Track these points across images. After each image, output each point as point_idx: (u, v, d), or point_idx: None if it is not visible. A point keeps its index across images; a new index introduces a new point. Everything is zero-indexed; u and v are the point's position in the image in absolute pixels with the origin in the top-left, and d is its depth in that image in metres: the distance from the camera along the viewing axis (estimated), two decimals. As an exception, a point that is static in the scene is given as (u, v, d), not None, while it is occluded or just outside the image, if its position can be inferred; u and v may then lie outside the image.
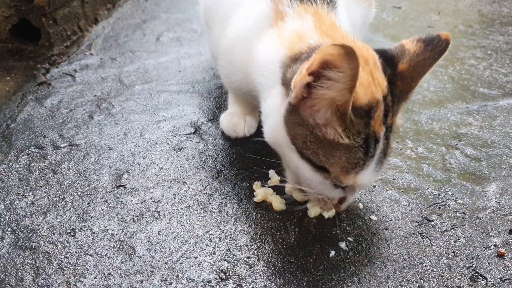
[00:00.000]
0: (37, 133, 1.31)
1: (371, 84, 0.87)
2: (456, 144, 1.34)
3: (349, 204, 1.03)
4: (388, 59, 0.92)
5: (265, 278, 0.92)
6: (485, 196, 1.15)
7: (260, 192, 1.10)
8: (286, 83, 0.92)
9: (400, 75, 0.91)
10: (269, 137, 0.98)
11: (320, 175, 0.92)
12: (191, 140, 1.31)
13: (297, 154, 0.92)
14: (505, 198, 1.14)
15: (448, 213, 1.10)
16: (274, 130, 0.94)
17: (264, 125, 0.99)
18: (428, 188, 1.17)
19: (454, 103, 1.56)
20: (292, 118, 0.90)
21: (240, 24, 1.11)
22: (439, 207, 1.11)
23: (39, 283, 0.90)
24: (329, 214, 1.05)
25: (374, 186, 1.17)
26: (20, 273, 0.91)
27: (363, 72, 0.85)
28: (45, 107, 1.44)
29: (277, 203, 1.09)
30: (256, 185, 1.13)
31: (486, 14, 2.40)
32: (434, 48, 0.91)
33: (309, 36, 0.93)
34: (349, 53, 0.76)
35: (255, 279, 0.92)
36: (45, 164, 1.20)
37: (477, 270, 0.96)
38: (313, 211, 1.05)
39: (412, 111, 1.50)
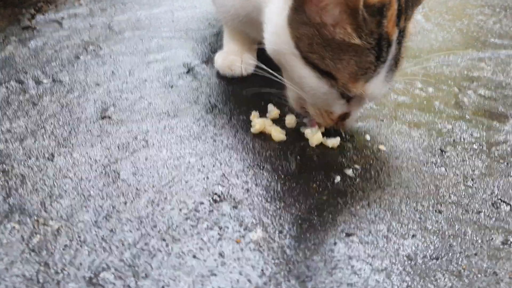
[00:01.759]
0: (18, 70, 1.22)
1: None
2: (469, 85, 1.25)
3: (354, 122, 0.95)
4: None
5: (263, 201, 0.83)
6: (503, 130, 1.06)
7: (258, 122, 1.01)
8: None
9: None
10: (270, 45, 0.88)
11: (325, 83, 0.83)
12: (183, 79, 1.22)
13: (302, 61, 0.83)
14: (525, 133, 1.05)
15: (464, 145, 1.01)
16: (277, 35, 0.85)
17: (265, 33, 0.90)
18: (440, 123, 1.08)
19: (464, 51, 1.47)
20: (297, 18, 0.81)
21: None
22: (454, 140, 1.02)
23: (10, 203, 0.80)
24: (332, 142, 0.96)
25: (382, 120, 1.07)
26: (-11, 194, 0.82)
27: None
28: (29, 47, 1.34)
29: (277, 133, 0.99)
30: (254, 116, 1.03)
31: (493, -21, 2.32)
32: None
33: None
34: None
35: (252, 201, 0.83)
36: (26, 97, 1.11)
37: (500, 197, 0.86)
38: (314, 139, 0.96)
39: (420, 57, 1.41)
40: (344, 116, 0.90)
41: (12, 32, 1.41)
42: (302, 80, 0.85)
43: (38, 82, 1.16)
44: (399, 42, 0.82)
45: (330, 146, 0.97)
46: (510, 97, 1.20)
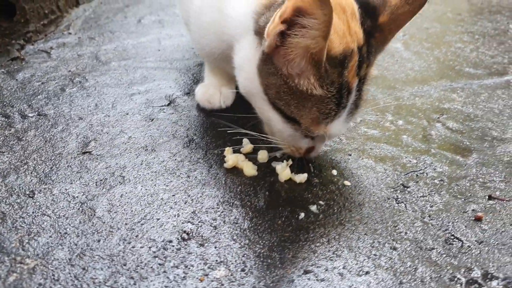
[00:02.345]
0: (4, 103, 1.27)
1: (346, 33, 0.84)
2: (438, 117, 1.31)
3: (318, 153, 1.03)
4: (369, 11, 0.89)
5: (229, 238, 0.88)
6: (465, 165, 1.11)
7: (231, 158, 1.06)
8: (259, 32, 0.88)
9: (380, 27, 0.89)
10: (243, 88, 0.96)
11: (290, 126, 0.91)
12: (164, 112, 1.27)
13: (270, 105, 0.90)
14: (486, 167, 1.10)
15: (426, 180, 1.06)
16: (248, 81, 0.92)
17: (238, 77, 0.96)
18: (406, 157, 1.13)
19: (438, 81, 1.53)
20: (266, 68, 0.87)
21: None
22: (417, 175, 1.07)
23: (-10, 241, 0.85)
24: (300, 177, 1.01)
25: (349, 155, 1.13)
26: (-29, 232, 0.87)
27: (338, 21, 0.83)
28: (16, 79, 1.40)
29: (249, 168, 1.05)
30: (228, 151, 1.09)
31: (476, 3, 2.38)
32: (414, 1, 0.88)
33: None
34: None
35: (219, 239, 0.88)
36: (11, 132, 1.16)
37: (453, 233, 0.91)
38: (283, 174, 1.01)
39: (395, 88, 1.46)
40: (310, 150, 0.98)
41: (1, 63, 1.47)
42: (270, 121, 0.91)
43: (24, 117, 1.22)
44: (359, 89, 0.90)
45: (297, 182, 1.02)
46: (476, 130, 1.25)
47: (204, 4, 1.05)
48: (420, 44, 1.82)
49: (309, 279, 0.80)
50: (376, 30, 0.89)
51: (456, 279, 0.81)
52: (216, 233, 0.89)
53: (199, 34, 1.12)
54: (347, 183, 1.03)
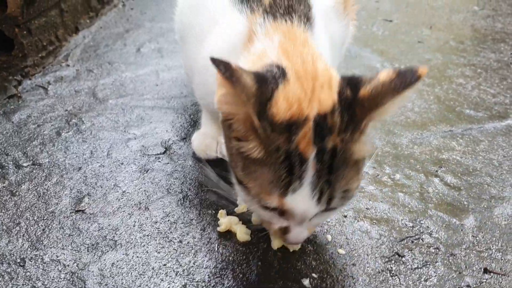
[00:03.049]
0: (0, 151, 1.26)
1: (304, 100, 0.79)
2: (436, 171, 1.29)
3: (300, 239, 0.90)
4: (353, 82, 0.83)
5: (219, 318, 0.87)
6: (461, 230, 1.10)
7: (224, 222, 1.05)
8: None
9: (360, 101, 0.80)
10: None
11: (244, 190, 0.85)
12: (159, 161, 1.26)
13: (232, 172, 0.88)
14: (482, 233, 1.09)
15: (421, 247, 1.05)
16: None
17: None
18: (402, 220, 1.12)
19: (438, 126, 1.51)
20: (225, 132, 0.87)
21: (216, 44, 1.06)
22: (412, 241, 1.06)
23: (-22, 320, 0.85)
24: (294, 246, 1.00)
25: (345, 216, 1.12)
26: (-40, 308, 0.86)
27: (296, 88, 0.80)
28: (12, 122, 1.39)
29: (242, 233, 1.04)
30: (221, 214, 1.08)
31: (479, 29, 2.35)
32: (402, 80, 0.78)
33: (268, 56, 0.88)
34: (227, 71, 0.74)
35: (209, 319, 0.87)
36: (4, 185, 1.15)
37: (446, 314, 0.90)
38: (275, 242, 1.00)
39: (394, 134, 1.45)
40: (285, 231, 0.89)
41: (-2, 102, 1.46)
42: (237, 191, 0.90)
43: (18, 166, 1.21)
44: (323, 162, 0.79)
45: (291, 250, 1.01)
46: (474, 186, 1.24)
47: (210, 64, 1.04)
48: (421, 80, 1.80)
49: None
50: (357, 104, 0.81)
51: None
52: (206, 311, 0.88)
53: (203, 91, 1.11)
54: (341, 251, 1.02)
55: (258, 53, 0.92)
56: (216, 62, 0.75)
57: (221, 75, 0.75)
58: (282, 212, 0.85)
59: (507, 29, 2.35)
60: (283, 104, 0.78)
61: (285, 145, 0.78)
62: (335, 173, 0.80)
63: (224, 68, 0.75)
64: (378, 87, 0.80)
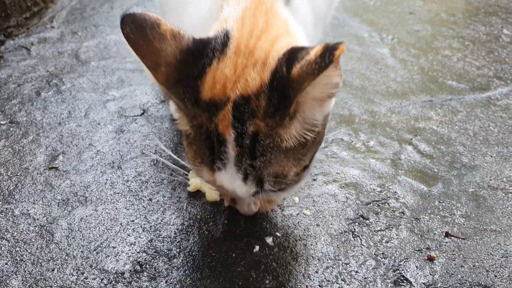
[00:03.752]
0: (-22, 108, 1.28)
1: (230, 79, 0.74)
2: (411, 139, 1.30)
3: (247, 212, 0.89)
4: (291, 60, 0.72)
5: (181, 272, 0.90)
6: (429, 196, 1.12)
7: (193, 182, 1.07)
8: None
9: (291, 82, 0.71)
10: None
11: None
12: (136, 123, 1.28)
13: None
14: (448, 199, 1.11)
15: (387, 211, 1.07)
16: None
17: None
18: (370, 184, 1.14)
19: (418, 96, 1.51)
20: None
21: (195, 15, 1.05)
22: (378, 205, 1.08)
23: None
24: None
25: (314, 180, 1.13)
26: None
27: (225, 66, 0.75)
28: (-7, 81, 1.40)
29: (211, 193, 1.06)
30: (192, 175, 1.09)
31: (473, 2, 2.33)
32: (321, 61, 0.67)
33: (228, 23, 0.82)
34: (135, 28, 0.71)
35: (171, 272, 0.90)
36: (-19, 141, 1.17)
37: (403, 274, 0.93)
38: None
39: (373, 102, 1.45)
40: (233, 201, 0.89)
41: (-20, 61, 1.47)
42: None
43: (-5, 124, 1.23)
44: (244, 146, 0.74)
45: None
46: (447, 155, 1.25)
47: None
48: (407, 50, 1.80)
49: (253, 320, 0.83)
50: (289, 85, 0.71)
51: (396, 327, 0.83)
52: (169, 265, 0.91)
53: None
54: (307, 212, 1.05)
55: (221, 20, 0.85)
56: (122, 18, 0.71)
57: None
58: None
59: (501, 2, 2.33)
60: (209, 82, 0.74)
61: (207, 123, 0.74)
62: (259, 158, 0.74)
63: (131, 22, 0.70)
64: (303, 66, 0.70)
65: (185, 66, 0.74)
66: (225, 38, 0.76)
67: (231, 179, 0.77)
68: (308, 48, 0.72)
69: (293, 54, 0.72)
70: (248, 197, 0.82)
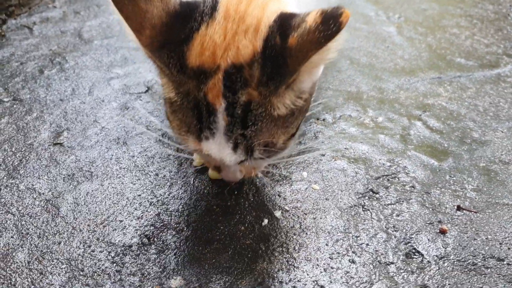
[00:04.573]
0: (-19, 86, 1.26)
1: (220, 47, 0.71)
2: (420, 115, 1.28)
3: (233, 179, 0.87)
4: (284, 29, 0.70)
5: (190, 245, 0.89)
6: (439, 171, 1.10)
7: (197, 157, 1.05)
8: None
9: (289, 50, 0.69)
10: None
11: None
12: (140, 99, 1.26)
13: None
14: (459, 173, 1.09)
15: (397, 185, 1.05)
16: None
17: None
18: (380, 159, 1.12)
19: (427, 73, 1.49)
20: None
21: None
22: (388, 180, 1.06)
23: (-49, 240, 0.86)
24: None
25: (323, 155, 1.12)
26: None
27: (214, 32, 0.71)
28: (-5, 59, 1.38)
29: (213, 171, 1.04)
30: (197, 149, 1.07)
31: (480, -19, 2.29)
32: (325, 29, 0.65)
33: None
34: None
35: (179, 245, 0.88)
36: (-16, 118, 1.16)
37: (415, 247, 0.91)
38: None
39: (381, 79, 1.43)
40: (218, 168, 0.87)
41: (-18, 40, 1.45)
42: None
43: (-2, 101, 1.21)
44: (235, 116, 0.72)
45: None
46: (457, 130, 1.23)
47: None
48: (415, 28, 1.77)
49: (263, 292, 0.81)
50: (286, 54, 0.69)
51: (409, 298, 0.82)
52: (178, 238, 0.89)
53: None
54: (315, 187, 1.03)
55: None
56: None
57: None
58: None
59: (509, -19, 2.29)
60: (197, 48, 0.71)
61: (195, 91, 0.72)
62: (250, 127, 0.73)
63: None
64: (303, 35, 0.68)
65: (171, 30, 0.71)
66: (214, 2, 0.73)
67: (219, 148, 0.75)
68: (301, 14, 0.70)
69: (285, 21, 0.70)
70: (235, 165, 0.80)
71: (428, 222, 0.96)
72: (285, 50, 0.68)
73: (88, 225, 0.90)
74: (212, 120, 0.72)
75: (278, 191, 1.01)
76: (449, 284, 0.84)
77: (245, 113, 0.72)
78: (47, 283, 0.80)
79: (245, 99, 0.71)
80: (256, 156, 0.76)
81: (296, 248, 0.89)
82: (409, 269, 0.87)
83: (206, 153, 0.76)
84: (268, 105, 0.72)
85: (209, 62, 0.70)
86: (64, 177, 1.00)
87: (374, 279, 0.85)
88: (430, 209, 0.99)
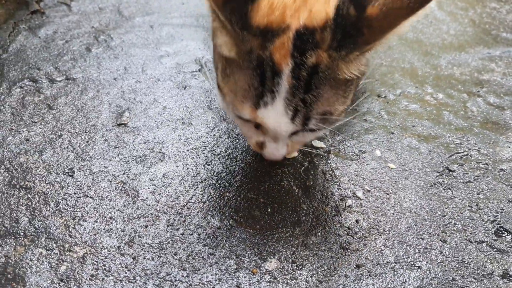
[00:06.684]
0: (30, 65, 1.21)
1: (290, 7, 0.70)
2: (478, 91, 1.26)
3: (276, 156, 0.85)
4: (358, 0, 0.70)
5: (280, 226, 0.87)
6: (509, 147, 1.08)
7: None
8: None
9: (367, 20, 0.68)
10: None
11: (220, 96, 0.80)
12: (196, 78, 1.22)
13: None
14: (530, 150, 1.08)
15: (471, 163, 1.03)
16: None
17: None
18: (449, 137, 1.10)
19: (475, 48, 1.46)
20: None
21: None
22: (461, 157, 1.05)
23: (36, 225, 0.83)
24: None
25: (392, 133, 1.09)
26: (15, 214, 0.85)
27: None
28: (39, 37, 1.33)
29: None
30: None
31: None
32: None
33: None
34: None
35: (270, 226, 0.86)
36: (40, 98, 1.11)
37: (502, 225, 0.90)
38: None
39: (432, 55, 1.40)
40: (261, 145, 0.85)
41: (21, 17, 1.39)
42: (216, 91, 0.84)
43: (52, 81, 1.17)
44: (301, 78, 0.70)
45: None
46: (518, 106, 1.21)
47: None
48: (454, 3, 1.74)
49: (362, 274, 0.80)
50: (363, 24, 0.69)
51: (509, 276, 0.81)
52: (267, 219, 0.87)
53: None
54: (392, 166, 1.01)
55: None
56: None
57: None
58: (257, 125, 0.80)
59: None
60: (265, 9, 0.69)
61: (259, 50, 0.70)
62: (313, 92, 0.72)
63: None
64: (388, 4, 0.67)
65: None
66: None
67: (277, 116, 0.73)
68: None
69: None
70: (285, 139, 0.80)
71: (510, 199, 0.95)
72: (362, 21, 0.67)
73: (172, 207, 0.88)
74: (276, 82, 0.70)
75: (355, 171, 0.99)
76: (543, 262, 0.84)
77: (310, 76, 0.70)
78: (142, 269, 0.78)
79: (313, 60, 0.70)
80: (311, 126, 0.75)
81: (386, 228, 0.88)
82: (501, 247, 0.86)
83: (260, 121, 0.75)
84: (336, 69, 0.71)
85: (278, 21, 0.69)
86: (136, 158, 0.97)
87: (469, 259, 0.83)
88: (509, 186, 0.98)
